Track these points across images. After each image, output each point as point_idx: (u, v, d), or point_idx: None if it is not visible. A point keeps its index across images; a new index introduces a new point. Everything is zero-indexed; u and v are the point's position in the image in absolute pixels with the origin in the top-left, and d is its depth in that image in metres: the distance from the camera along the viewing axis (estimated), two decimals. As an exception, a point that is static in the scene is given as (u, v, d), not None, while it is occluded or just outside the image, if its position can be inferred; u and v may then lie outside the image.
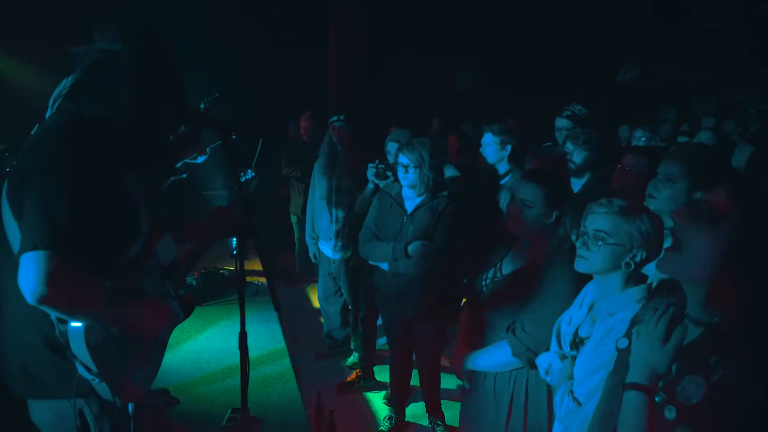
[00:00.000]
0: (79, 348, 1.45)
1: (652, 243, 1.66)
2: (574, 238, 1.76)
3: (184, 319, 1.88)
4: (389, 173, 3.35)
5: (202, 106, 2.43)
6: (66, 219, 1.34)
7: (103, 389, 1.52)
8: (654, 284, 1.68)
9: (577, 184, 3.35)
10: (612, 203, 1.70)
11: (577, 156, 3.28)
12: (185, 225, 2.22)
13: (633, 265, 1.67)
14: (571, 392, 1.74)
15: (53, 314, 1.44)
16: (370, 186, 3.49)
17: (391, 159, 3.45)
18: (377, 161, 3.44)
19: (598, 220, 1.70)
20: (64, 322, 1.45)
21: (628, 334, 1.38)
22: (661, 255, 1.21)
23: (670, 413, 1.12)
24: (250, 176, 2.15)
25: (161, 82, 1.55)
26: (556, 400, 1.80)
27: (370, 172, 3.41)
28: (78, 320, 1.44)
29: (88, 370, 1.48)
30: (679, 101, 9.52)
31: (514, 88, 7.93)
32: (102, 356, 1.48)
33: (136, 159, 1.56)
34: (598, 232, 1.68)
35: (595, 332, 1.74)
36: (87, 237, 1.37)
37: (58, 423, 1.55)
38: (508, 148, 3.51)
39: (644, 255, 1.66)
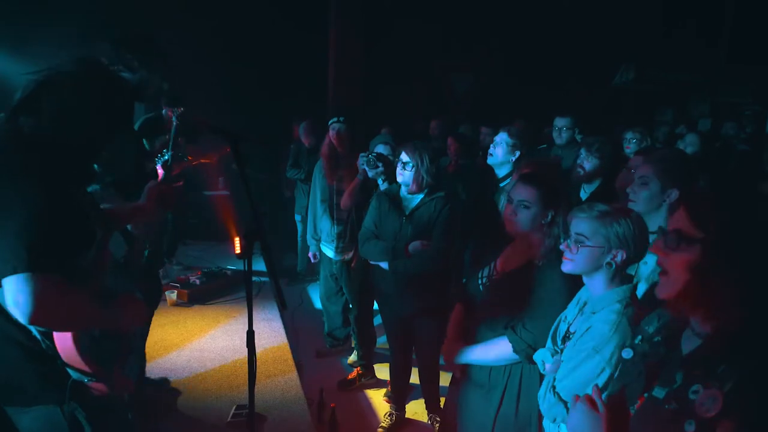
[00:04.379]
0: (70, 356, 1.52)
1: (632, 244, 1.76)
2: (562, 240, 1.86)
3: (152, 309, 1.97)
4: (380, 163, 3.44)
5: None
6: (38, 238, 1.39)
7: (97, 387, 1.60)
8: (641, 292, 1.76)
9: (587, 190, 3.41)
10: (593, 208, 1.81)
11: (588, 163, 3.35)
12: (118, 211, 2.31)
13: (614, 265, 1.77)
14: (553, 387, 1.84)
15: (33, 330, 1.51)
16: (360, 178, 3.58)
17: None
18: (369, 151, 3.54)
19: (580, 224, 1.81)
20: (49, 336, 1.52)
21: (632, 346, 1.40)
22: (657, 280, 1.25)
23: (690, 427, 1.12)
24: (168, 157, 2.18)
25: (108, 108, 1.62)
26: (540, 393, 1.90)
27: (362, 161, 3.50)
28: (67, 331, 1.51)
29: (83, 373, 1.56)
30: (675, 103, 9.60)
31: (511, 90, 7.99)
32: (92, 358, 1.56)
33: (78, 172, 1.63)
34: (579, 236, 1.80)
35: (578, 329, 1.83)
36: (58, 251, 1.43)
37: (50, 429, 1.60)
38: (517, 153, 3.54)
39: (624, 256, 1.76)
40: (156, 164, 2.21)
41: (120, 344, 1.72)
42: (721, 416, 1.07)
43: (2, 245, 1.38)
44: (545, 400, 1.86)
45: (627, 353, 1.39)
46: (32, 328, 1.50)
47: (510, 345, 2.17)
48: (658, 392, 1.22)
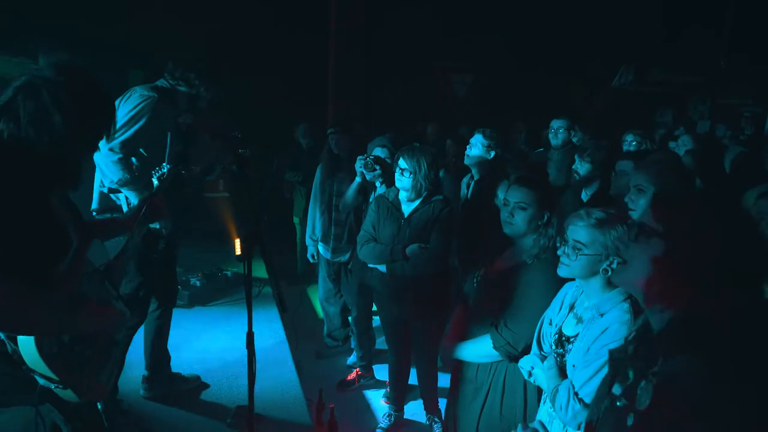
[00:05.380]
0: (34, 362, 1.50)
1: None
2: (558, 245, 1.88)
3: (130, 316, 1.95)
4: (377, 167, 3.47)
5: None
6: None
7: (67, 394, 1.58)
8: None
9: (587, 193, 3.45)
10: (590, 215, 1.84)
11: (582, 168, 3.41)
12: (109, 221, 2.33)
13: (610, 272, 1.78)
14: (576, 394, 1.80)
15: (1, 334, 1.49)
16: (358, 179, 3.60)
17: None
18: (367, 155, 3.56)
19: (577, 231, 1.84)
20: (14, 339, 1.50)
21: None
22: (615, 268, 1.30)
23: (630, 420, 1.13)
24: (165, 170, 2.24)
25: (87, 113, 1.58)
26: (561, 402, 1.83)
27: (359, 164, 3.52)
28: (21, 335, 1.48)
29: (49, 379, 1.53)
30: (675, 105, 9.61)
31: (512, 91, 8.01)
32: (60, 364, 1.54)
33: (57, 178, 1.59)
34: (576, 243, 1.83)
35: (587, 332, 1.83)
36: (14, 257, 1.39)
37: (26, 429, 1.58)
38: (492, 153, 3.61)
39: (621, 261, 1.77)
40: (153, 176, 2.24)
41: (95, 351, 1.69)
42: (653, 409, 1.08)
43: None
44: (569, 409, 1.80)
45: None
46: None
47: (491, 342, 2.22)
48: (617, 389, 1.24)
